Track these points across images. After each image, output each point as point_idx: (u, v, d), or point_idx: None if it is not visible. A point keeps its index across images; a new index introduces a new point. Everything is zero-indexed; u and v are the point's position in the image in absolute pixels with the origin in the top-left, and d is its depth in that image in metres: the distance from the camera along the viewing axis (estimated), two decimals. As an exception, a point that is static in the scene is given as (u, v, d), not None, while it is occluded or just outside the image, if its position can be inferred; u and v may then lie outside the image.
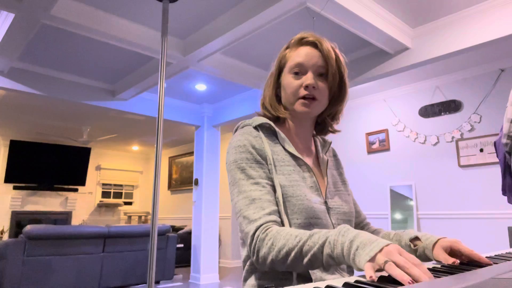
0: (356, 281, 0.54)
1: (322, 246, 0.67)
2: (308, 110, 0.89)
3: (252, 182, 0.82)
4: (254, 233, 0.77)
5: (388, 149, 4.47)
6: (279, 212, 0.81)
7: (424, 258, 0.83)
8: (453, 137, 3.93)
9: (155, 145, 1.67)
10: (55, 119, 5.85)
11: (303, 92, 0.88)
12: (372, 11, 2.70)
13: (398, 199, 4.27)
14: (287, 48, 0.96)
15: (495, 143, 1.74)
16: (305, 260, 0.69)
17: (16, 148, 6.89)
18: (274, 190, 0.83)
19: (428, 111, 4.17)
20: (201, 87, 4.54)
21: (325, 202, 0.89)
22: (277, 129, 0.92)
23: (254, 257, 0.77)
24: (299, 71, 0.90)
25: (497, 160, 3.10)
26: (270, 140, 0.90)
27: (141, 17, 2.90)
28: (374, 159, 4.58)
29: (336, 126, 1.02)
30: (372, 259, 0.58)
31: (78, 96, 4.18)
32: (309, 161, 0.96)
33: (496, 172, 3.59)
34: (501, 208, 3.51)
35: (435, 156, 4.05)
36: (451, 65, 3.78)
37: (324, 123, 1.00)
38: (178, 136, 7.16)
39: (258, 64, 3.76)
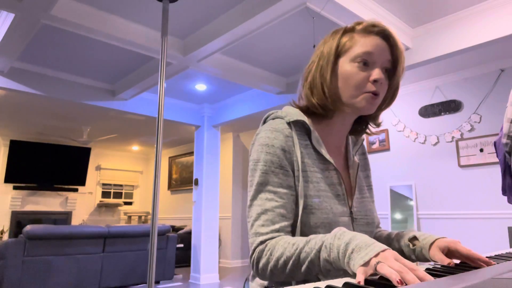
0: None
1: (319, 251, 0.65)
2: (372, 107, 0.80)
3: (270, 190, 0.77)
4: (255, 247, 0.75)
5: (388, 149, 4.47)
6: (293, 225, 0.78)
7: (422, 258, 0.81)
8: (453, 137, 3.93)
9: (155, 145, 1.67)
10: (55, 119, 5.85)
11: (371, 87, 0.79)
12: (372, 11, 2.70)
13: (398, 199, 4.27)
14: (344, 33, 0.84)
15: (495, 143, 1.73)
16: (303, 267, 0.68)
17: (16, 148, 6.90)
18: (294, 200, 0.78)
19: (428, 111, 4.16)
20: (201, 87, 4.54)
21: (350, 212, 0.85)
22: (312, 128, 0.83)
23: (254, 269, 0.76)
24: (367, 62, 0.80)
25: (497, 160, 3.10)
26: (302, 139, 0.83)
27: (141, 17, 2.90)
28: (374, 159, 4.58)
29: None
30: (366, 264, 0.56)
31: (78, 96, 4.18)
32: (338, 164, 0.89)
33: (496, 172, 3.59)
34: (501, 208, 3.51)
35: (435, 156, 4.05)
36: (451, 65, 3.78)
37: (363, 122, 0.92)
38: (178, 136, 7.16)
39: (258, 64, 3.76)
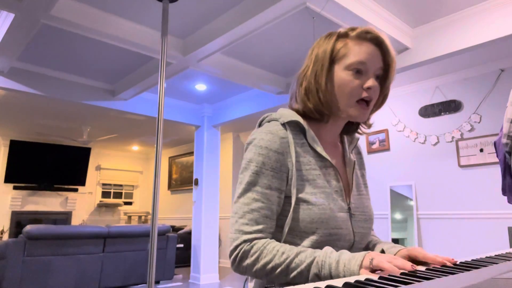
0: (356, 281, 0.54)
1: (310, 265, 0.70)
2: (364, 116, 0.85)
3: (258, 191, 0.79)
4: (238, 245, 0.77)
5: (388, 149, 4.47)
6: (280, 224, 0.81)
7: None
8: (453, 137, 3.93)
9: (155, 145, 1.67)
10: (55, 119, 5.85)
11: (364, 94, 0.82)
12: (372, 11, 2.70)
13: (398, 199, 4.27)
14: (338, 37, 0.86)
15: (495, 143, 1.74)
16: (291, 276, 0.73)
17: (16, 148, 6.89)
18: (280, 203, 0.81)
19: (428, 111, 4.16)
20: (201, 87, 4.54)
21: (349, 208, 0.86)
22: (306, 127, 0.85)
23: (234, 266, 0.78)
24: (361, 70, 0.82)
25: (497, 160, 3.10)
26: (298, 139, 0.85)
27: (141, 17, 2.89)
28: (374, 159, 4.58)
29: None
30: (361, 265, 0.66)
31: (78, 96, 4.18)
32: (335, 161, 0.91)
33: (496, 172, 3.59)
34: (501, 208, 3.50)
35: (435, 156, 4.05)
36: (451, 65, 3.78)
37: (355, 123, 0.96)
38: (178, 136, 7.16)
39: (258, 64, 3.76)
